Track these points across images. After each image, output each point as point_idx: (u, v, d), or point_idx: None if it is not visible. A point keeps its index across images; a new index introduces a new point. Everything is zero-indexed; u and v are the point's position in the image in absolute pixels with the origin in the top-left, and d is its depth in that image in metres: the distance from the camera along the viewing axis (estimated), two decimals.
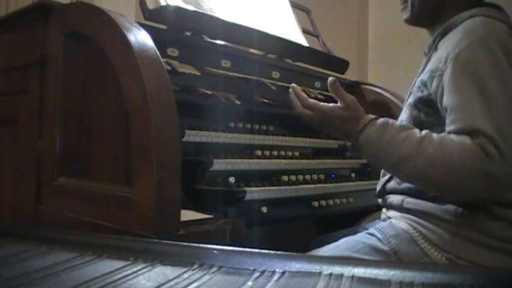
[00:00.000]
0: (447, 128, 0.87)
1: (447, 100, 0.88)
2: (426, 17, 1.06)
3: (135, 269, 0.56)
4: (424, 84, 0.96)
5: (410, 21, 1.08)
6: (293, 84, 1.05)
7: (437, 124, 0.90)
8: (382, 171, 1.12)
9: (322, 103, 1.00)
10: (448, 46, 0.93)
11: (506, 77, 0.86)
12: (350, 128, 0.94)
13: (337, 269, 0.52)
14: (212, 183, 1.06)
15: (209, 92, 1.23)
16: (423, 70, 1.02)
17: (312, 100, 1.01)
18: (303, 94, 1.03)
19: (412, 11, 1.06)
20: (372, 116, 0.94)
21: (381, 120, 0.93)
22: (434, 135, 0.86)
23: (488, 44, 0.88)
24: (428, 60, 1.02)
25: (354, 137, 0.93)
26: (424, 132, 0.88)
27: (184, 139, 1.09)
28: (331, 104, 0.98)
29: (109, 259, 0.60)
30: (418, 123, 0.98)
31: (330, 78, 0.99)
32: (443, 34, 1.00)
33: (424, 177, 0.85)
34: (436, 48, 1.02)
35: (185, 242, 0.63)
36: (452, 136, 0.84)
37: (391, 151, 0.88)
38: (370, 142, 0.92)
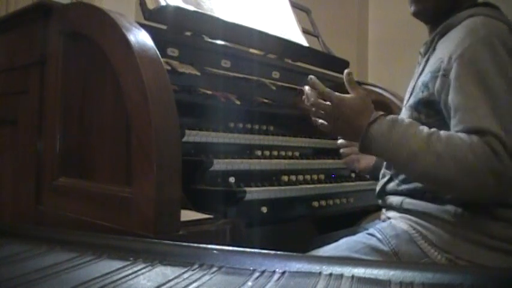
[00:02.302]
0: (454, 128, 0.87)
1: (453, 100, 0.88)
2: (436, 12, 1.03)
3: (135, 269, 0.56)
4: (426, 85, 0.96)
5: (417, 13, 1.04)
6: (311, 76, 1.00)
7: (438, 126, 0.90)
8: (382, 171, 1.12)
9: (336, 93, 0.97)
10: (448, 46, 0.93)
11: (509, 76, 0.86)
12: (361, 120, 0.92)
13: (337, 269, 0.52)
14: (212, 183, 1.06)
15: (209, 92, 1.23)
16: (422, 71, 1.02)
17: (327, 89, 0.97)
18: (321, 84, 0.99)
19: (425, 4, 1.02)
20: (381, 112, 0.93)
21: (391, 116, 0.92)
22: (442, 132, 0.86)
23: (491, 43, 0.88)
24: (427, 61, 1.02)
25: (364, 129, 0.91)
26: (432, 129, 0.87)
27: (184, 139, 1.09)
28: (345, 95, 0.96)
29: (109, 259, 0.60)
30: None
31: (346, 70, 0.97)
32: (442, 34, 1.00)
33: (433, 175, 0.85)
34: (434, 49, 1.01)
35: (185, 242, 0.63)
36: (461, 135, 0.84)
37: (399, 147, 0.87)
38: (380, 136, 0.90)
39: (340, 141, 1.24)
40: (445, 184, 0.85)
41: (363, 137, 0.91)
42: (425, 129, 0.87)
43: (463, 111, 0.86)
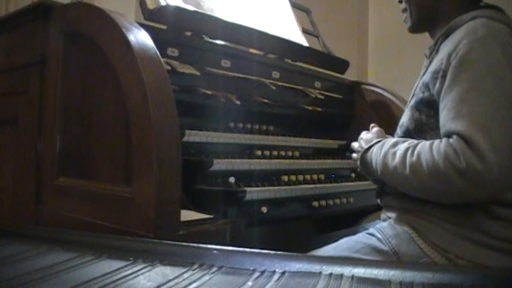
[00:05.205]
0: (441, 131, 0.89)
1: (442, 101, 0.89)
2: (425, 23, 1.08)
3: (135, 269, 0.56)
4: (426, 86, 0.96)
5: (413, 29, 1.11)
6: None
7: (439, 126, 0.90)
8: None
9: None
10: (449, 47, 0.93)
11: (502, 76, 0.86)
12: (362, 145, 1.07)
13: (337, 269, 0.52)
14: (212, 183, 1.06)
15: (209, 92, 1.23)
16: (425, 72, 1.02)
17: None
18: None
19: (412, 20, 1.08)
20: (379, 139, 1.04)
21: (383, 139, 1.02)
22: (420, 144, 0.89)
23: (487, 44, 0.88)
24: (430, 62, 1.02)
25: (360, 155, 1.05)
26: (408, 142, 0.92)
27: (184, 139, 1.09)
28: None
29: (109, 259, 0.60)
30: (420, 125, 0.98)
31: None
32: (446, 36, 1.00)
33: (413, 187, 0.90)
34: (437, 50, 1.02)
35: (185, 242, 0.63)
36: (436, 141, 0.87)
37: (384, 167, 0.95)
38: (371, 158, 1.01)
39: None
40: (422, 191, 0.89)
41: (360, 162, 1.06)
42: (405, 144, 0.92)
43: (444, 115, 0.88)
